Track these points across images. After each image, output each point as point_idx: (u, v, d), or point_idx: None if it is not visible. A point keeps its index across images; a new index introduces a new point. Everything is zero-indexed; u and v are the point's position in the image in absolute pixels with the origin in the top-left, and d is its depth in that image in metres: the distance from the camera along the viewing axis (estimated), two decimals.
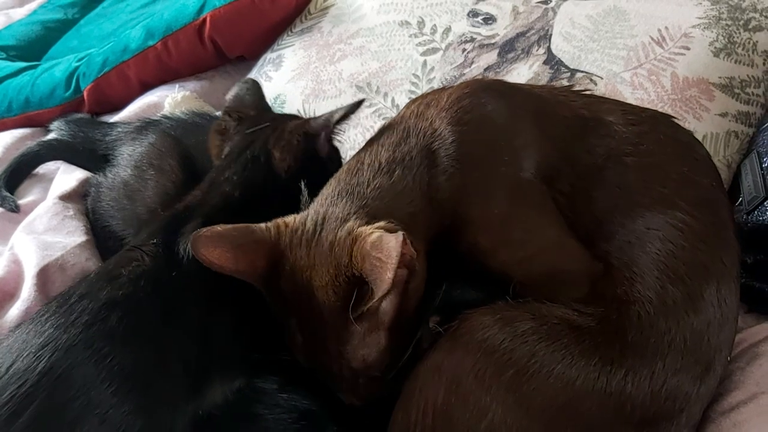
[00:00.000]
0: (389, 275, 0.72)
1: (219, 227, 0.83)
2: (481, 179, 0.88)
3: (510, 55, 1.24)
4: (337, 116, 0.98)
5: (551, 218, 0.88)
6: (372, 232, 0.77)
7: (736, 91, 1.17)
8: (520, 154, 0.89)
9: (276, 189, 0.96)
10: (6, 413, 0.68)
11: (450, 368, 0.80)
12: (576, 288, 0.86)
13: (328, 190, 0.89)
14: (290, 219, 0.87)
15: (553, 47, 1.22)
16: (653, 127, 0.94)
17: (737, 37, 1.18)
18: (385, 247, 0.73)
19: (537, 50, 1.23)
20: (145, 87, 1.53)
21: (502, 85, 0.99)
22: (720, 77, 1.16)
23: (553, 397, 0.80)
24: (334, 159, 1.03)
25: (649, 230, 0.86)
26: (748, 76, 1.17)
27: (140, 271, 0.81)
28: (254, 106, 1.07)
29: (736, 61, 1.17)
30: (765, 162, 1.07)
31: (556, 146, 0.91)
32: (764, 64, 1.18)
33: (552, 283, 0.87)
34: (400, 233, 0.73)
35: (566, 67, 1.20)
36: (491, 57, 1.25)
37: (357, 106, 0.99)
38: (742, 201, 1.07)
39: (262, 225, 0.85)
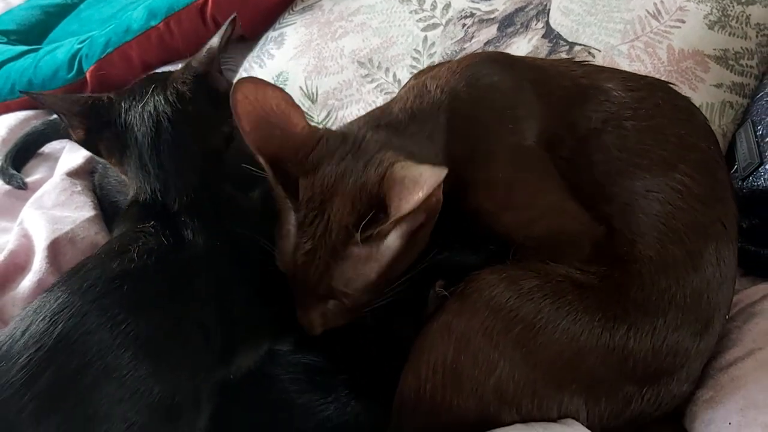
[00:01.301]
0: (417, 197, 0.71)
1: (272, 88, 0.82)
2: (486, 145, 0.90)
3: (509, 30, 1.26)
4: (215, 43, 0.92)
5: (553, 183, 0.91)
6: (412, 163, 0.77)
7: (731, 62, 1.19)
8: (523, 124, 0.91)
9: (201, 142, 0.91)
10: (24, 377, 0.69)
11: (459, 327, 0.83)
12: (578, 250, 0.89)
13: (365, 119, 0.90)
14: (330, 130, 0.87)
15: (551, 21, 1.25)
16: (651, 92, 0.96)
17: (731, 11, 1.20)
18: (424, 174, 0.73)
19: (536, 24, 1.25)
20: (148, 67, 1.53)
21: (506, 57, 1.01)
22: (714, 49, 1.19)
23: (558, 353, 0.82)
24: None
25: (648, 192, 0.89)
26: (741, 48, 1.20)
27: (148, 248, 0.82)
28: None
29: (730, 34, 1.20)
30: (759, 130, 1.10)
31: (556, 115, 0.93)
32: (757, 36, 1.21)
33: (554, 245, 0.89)
34: (445, 169, 0.72)
35: (565, 40, 1.22)
36: (491, 31, 1.27)
37: (231, 24, 0.95)
38: (737, 168, 1.10)
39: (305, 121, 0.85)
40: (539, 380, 0.83)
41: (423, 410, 0.84)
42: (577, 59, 1.17)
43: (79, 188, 1.23)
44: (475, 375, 0.82)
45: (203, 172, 0.89)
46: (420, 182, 0.72)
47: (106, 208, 1.20)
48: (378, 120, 0.90)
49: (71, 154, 1.31)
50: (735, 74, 1.19)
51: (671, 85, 0.99)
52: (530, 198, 0.90)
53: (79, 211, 1.17)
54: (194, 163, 0.89)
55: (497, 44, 1.26)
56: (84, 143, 0.92)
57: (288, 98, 0.83)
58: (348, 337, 0.88)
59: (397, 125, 0.88)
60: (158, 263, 0.80)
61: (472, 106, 0.91)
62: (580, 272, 0.86)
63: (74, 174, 1.26)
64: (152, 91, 0.89)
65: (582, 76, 0.97)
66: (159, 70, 1.22)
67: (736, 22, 1.20)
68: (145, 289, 0.78)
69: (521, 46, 1.23)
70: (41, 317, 0.73)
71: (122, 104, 0.89)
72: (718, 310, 0.89)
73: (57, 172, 1.28)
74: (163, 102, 0.89)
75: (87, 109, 0.89)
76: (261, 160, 0.80)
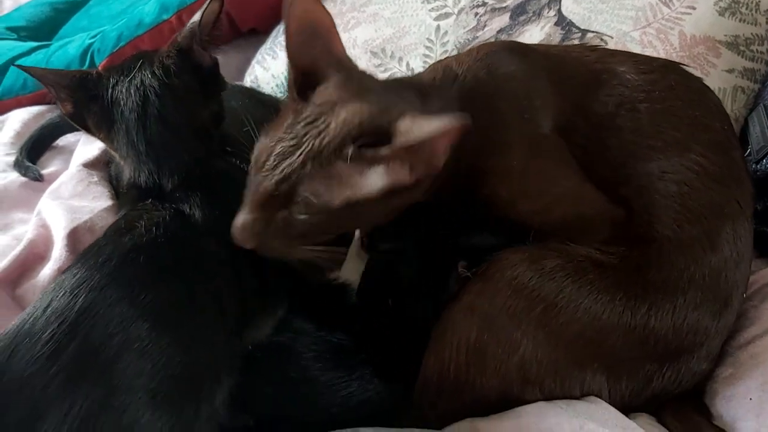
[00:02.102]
0: (426, 130, 0.70)
1: (324, 8, 0.82)
2: (503, 134, 0.90)
3: (522, 18, 1.27)
4: (197, 18, 0.92)
5: (569, 169, 0.91)
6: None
7: (741, 48, 1.20)
8: (539, 113, 0.92)
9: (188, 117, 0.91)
10: (48, 351, 0.69)
11: (482, 307, 0.84)
12: (596, 233, 0.89)
13: (395, 79, 0.91)
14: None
15: (563, 9, 1.25)
16: (664, 74, 0.96)
17: None
18: (439, 118, 0.70)
19: (548, 12, 1.26)
20: None
21: (521, 46, 1.02)
22: (725, 35, 1.19)
23: (580, 332, 0.83)
24: (216, 69, 0.97)
25: (664, 173, 0.89)
26: (752, 34, 1.20)
27: (154, 222, 0.83)
28: None
29: (740, 20, 1.20)
30: None
31: (571, 102, 0.93)
32: (767, 22, 1.22)
33: (572, 230, 0.90)
34: (462, 119, 0.69)
35: (577, 27, 1.23)
36: (503, 20, 1.28)
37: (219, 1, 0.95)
38: (750, 151, 1.11)
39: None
40: (561, 359, 0.84)
41: (446, 390, 0.85)
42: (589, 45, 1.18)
43: (96, 179, 1.23)
44: (498, 354, 0.83)
45: (193, 149, 0.90)
46: (434, 122, 0.70)
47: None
48: (407, 83, 0.91)
49: (86, 146, 1.32)
50: (746, 60, 1.20)
51: (684, 66, 0.99)
52: (547, 185, 0.91)
53: (97, 201, 1.18)
54: (183, 140, 0.89)
55: (510, 32, 1.26)
56: (72, 117, 0.93)
57: (334, 22, 0.84)
58: (371, 318, 0.89)
59: (422, 91, 0.88)
60: (166, 236, 0.81)
61: (490, 94, 0.92)
62: (600, 252, 0.87)
63: (90, 165, 1.26)
64: (140, 66, 0.91)
65: (595, 61, 0.98)
66: None
67: (746, 8, 1.21)
68: (159, 260, 0.79)
69: (534, 34, 1.24)
70: (61, 293, 0.74)
71: (110, 79, 0.90)
72: (736, 288, 0.90)
73: (73, 164, 1.29)
74: (149, 76, 0.90)
75: (75, 82, 0.90)
76: (289, 65, 0.81)
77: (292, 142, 0.77)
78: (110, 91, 0.89)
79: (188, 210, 0.86)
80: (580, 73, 0.96)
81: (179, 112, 0.90)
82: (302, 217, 0.78)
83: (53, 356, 0.69)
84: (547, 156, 0.92)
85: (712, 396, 0.89)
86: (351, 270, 0.96)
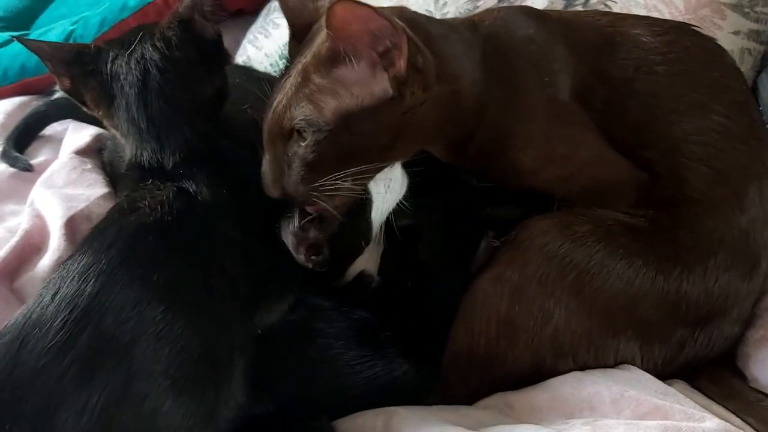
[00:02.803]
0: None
1: None
2: (524, 97, 0.88)
3: None
4: None
5: (591, 134, 0.89)
6: None
7: (746, 9, 1.18)
8: (558, 77, 0.89)
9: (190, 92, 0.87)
10: (61, 340, 0.66)
11: (512, 278, 0.81)
12: (623, 197, 0.88)
13: None
14: None
15: None
16: (679, 36, 0.94)
17: None
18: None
19: None
20: None
21: (537, 11, 1.00)
22: None
23: (613, 298, 0.81)
24: (220, 42, 0.93)
25: (689, 136, 0.88)
26: None
27: (158, 201, 0.78)
28: None
29: None
30: None
31: (587, 67, 0.91)
32: None
33: (599, 195, 0.88)
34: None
35: None
36: None
37: None
38: (762, 112, 1.09)
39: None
40: (595, 327, 0.82)
41: (476, 365, 0.83)
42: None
43: (89, 166, 1.18)
44: (530, 326, 0.81)
45: (197, 125, 0.86)
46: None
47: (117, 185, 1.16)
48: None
49: (77, 134, 1.27)
50: (751, 21, 1.18)
51: (695, 27, 0.97)
52: (571, 150, 0.89)
53: (92, 189, 1.13)
54: (186, 115, 0.85)
55: (511, 0, 1.23)
56: (70, 92, 0.89)
57: None
58: (395, 293, 0.86)
59: (439, 26, 0.86)
60: (173, 215, 0.77)
61: (510, 54, 0.89)
62: (630, 216, 0.85)
63: (82, 152, 1.21)
64: (140, 38, 0.86)
65: (608, 25, 0.96)
66: None
67: None
68: (169, 239, 0.75)
69: (536, 1, 1.21)
70: (69, 279, 0.70)
71: (109, 52, 0.86)
72: (765, 248, 0.88)
73: (64, 152, 1.23)
74: (150, 49, 0.85)
75: (72, 56, 0.86)
76: (288, 27, 0.83)
77: (288, 77, 0.79)
78: (109, 65, 0.85)
79: (194, 188, 0.81)
80: (595, 37, 0.94)
81: (182, 86, 0.85)
82: (307, 144, 0.77)
83: (67, 345, 0.66)
84: (569, 121, 0.89)
85: (745, 359, 0.88)
86: (369, 260, 0.92)
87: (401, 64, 0.73)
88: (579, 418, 0.75)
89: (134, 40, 0.85)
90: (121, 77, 0.84)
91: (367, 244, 0.86)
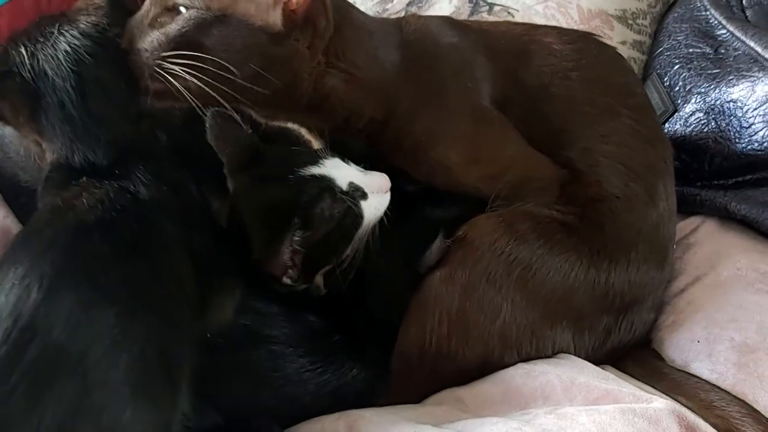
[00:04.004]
0: None
1: None
2: (446, 99, 0.91)
3: None
4: None
5: (513, 134, 0.93)
6: None
7: (629, 21, 1.29)
8: (480, 85, 0.93)
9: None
10: (6, 354, 0.59)
11: (463, 275, 0.83)
12: (548, 193, 0.92)
13: None
14: None
15: None
16: (587, 44, 1.01)
17: None
18: None
19: None
20: None
21: (460, 21, 1.04)
22: (616, 9, 1.28)
23: (552, 291, 0.85)
24: None
25: (603, 136, 0.94)
26: (636, 8, 1.30)
27: (96, 199, 0.72)
28: None
29: None
30: (665, 81, 1.20)
31: (506, 76, 0.95)
32: None
33: (525, 192, 0.91)
34: None
35: (485, 1, 1.25)
36: None
37: None
38: None
39: None
40: (537, 319, 0.85)
41: (427, 363, 0.84)
42: (497, 19, 1.22)
43: None
44: (480, 321, 0.83)
45: (134, 118, 0.80)
46: None
47: (6, 189, 1.04)
48: None
49: None
50: (634, 32, 1.29)
51: (597, 36, 1.05)
52: (495, 150, 0.92)
53: None
54: (123, 107, 0.79)
55: (420, 4, 1.25)
56: None
57: None
58: (342, 297, 0.84)
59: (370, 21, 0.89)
60: (116, 212, 0.71)
61: (434, 59, 0.92)
62: (561, 213, 0.89)
63: None
64: (59, 28, 0.78)
65: (522, 34, 1.01)
66: None
67: None
68: (111, 239, 0.69)
69: (443, 6, 1.25)
70: (8, 286, 0.63)
71: (22, 50, 0.77)
72: (671, 240, 0.97)
73: None
74: (79, 35, 0.78)
75: None
76: None
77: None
78: (28, 63, 0.76)
79: (132, 187, 0.75)
80: (511, 45, 0.99)
81: (118, 73, 0.78)
82: (178, 19, 0.76)
83: (12, 359, 0.59)
84: (491, 123, 0.93)
85: (660, 343, 0.95)
86: None
87: (298, 5, 0.77)
88: (534, 407, 0.77)
89: (52, 30, 0.77)
90: (49, 72, 0.75)
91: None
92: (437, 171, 0.90)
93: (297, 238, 0.76)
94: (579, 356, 0.88)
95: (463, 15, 1.24)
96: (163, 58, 0.75)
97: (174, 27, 0.76)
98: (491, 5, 1.25)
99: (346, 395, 0.82)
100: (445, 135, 0.90)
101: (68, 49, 0.76)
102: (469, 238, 0.84)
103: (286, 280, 0.79)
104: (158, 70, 0.76)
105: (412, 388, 0.85)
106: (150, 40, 0.77)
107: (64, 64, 0.76)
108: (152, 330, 0.66)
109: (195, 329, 0.74)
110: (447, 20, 1.01)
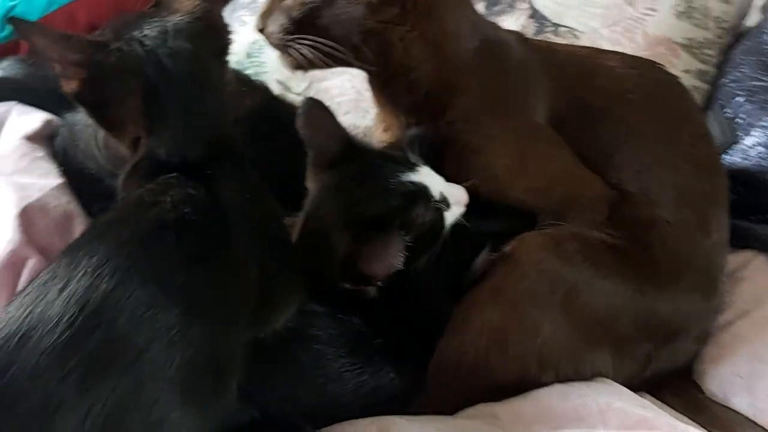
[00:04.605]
0: None
1: None
2: (504, 109, 0.93)
3: (496, 8, 1.29)
4: None
5: (564, 150, 0.94)
6: None
7: (695, 50, 1.28)
8: (538, 105, 0.95)
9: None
10: (66, 339, 0.60)
11: (507, 291, 0.84)
12: (596, 211, 0.92)
13: None
14: None
15: (535, 3, 1.28)
16: (649, 70, 1.02)
17: (695, 3, 1.29)
18: None
19: (521, 4, 1.28)
20: (94, 30, 1.41)
21: (530, 40, 1.05)
22: (682, 37, 1.27)
23: (595, 313, 0.85)
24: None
25: (657, 161, 0.94)
26: (703, 38, 1.29)
27: (180, 198, 0.73)
28: None
29: (694, 24, 1.28)
30: (727, 112, 1.19)
31: (565, 95, 0.96)
32: (716, 28, 1.30)
33: (573, 209, 0.92)
34: None
35: (549, 21, 1.26)
36: (478, 8, 1.28)
37: None
38: None
39: None
40: (577, 342, 0.85)
41: (464, 374, 0.84)
42: (564, 41, 1.23)
43: (41, 154, 1.10)
44: (520, 339, 0.83)
45: (226, 115, 0.81)
46: None
47: (72, 176, 1.09)
48: None
49: (24, 117, 1.17)
50: (699, 62, 1.28)
51: (661, 66, 1.05)
52: (544, 164, 0.93)
53: (45, 179, 1.05)
54: (229, 111, 0.81)
55: None
56: (77, 96, 0.79)
57: None
58: (386, 302, 0.85)
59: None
60: (195, 214, 0.72)
61: (503, 67, 0.94)
62: (611, 237, 0.89)
63: (33, 138, 1.12)
64: (166, 23, 0.77)
65: (587, 56, 1.02)
66: None
67: (699, 13, 1.29)
68: (189, 240, 0.70)
69: (510, 24, 1.26)
70: (81, 273, 0.64)
71: (136, 44, 0.75)
72: (720, 272, 0.96)
73: (10, 136, 1.14)
74: (186, 27, 0.77)
75: (89, 56, 0.75)
76: None
77: None
78: (151, 58, 0.75)
79: (217, 191, 0.76)
80: (575, 66, 1.00)
81: (219, 70, 0.80)
82: (296, 2, 0.88)
83: (74, 345, 0.60)
84: (543, 139, 0.94)
85: (700, 376, 0.94)
86: None
87: None
88: (567, 428, 0.77)
89: (157, 26, 0.77)
90: (164, 62, 0.75)
91: None
92: (484, 178, 0.91)
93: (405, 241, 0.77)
94: (617, 381, 0.87)
95: (528, 34, 1.25)
96: (286, 41, 0.89)
97: (292, 11, 0.88)
98: (556, 26, 1.26)
99: (382, 398, 0.83)
100: (497, 142, 0.91)
101: (180, 44, 0.76)
102: (516, 254, 0.84)
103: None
104: (286, 48, 0.89)
105: (447, 399, 0.85)
106: (275, 23, 0.90)
107: (181, 58, 0.76)
108: (208, 334, 0.67)
109: (251, 331, 0.76)
110: (521, 37, 1.02)
